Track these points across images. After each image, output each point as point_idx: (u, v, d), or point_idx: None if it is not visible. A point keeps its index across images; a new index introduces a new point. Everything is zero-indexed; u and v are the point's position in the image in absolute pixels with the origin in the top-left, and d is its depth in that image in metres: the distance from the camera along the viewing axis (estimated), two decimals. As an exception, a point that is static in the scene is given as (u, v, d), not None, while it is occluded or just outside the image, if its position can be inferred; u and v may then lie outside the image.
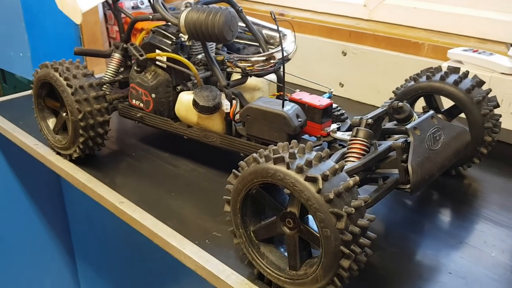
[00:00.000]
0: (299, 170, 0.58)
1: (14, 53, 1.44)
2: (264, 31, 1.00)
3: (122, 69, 1.06)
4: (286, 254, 0.66)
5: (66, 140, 0.97)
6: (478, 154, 0.90)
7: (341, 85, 1.32)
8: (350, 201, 0.58)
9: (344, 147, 0.79)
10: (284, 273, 0.65)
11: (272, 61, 0.90)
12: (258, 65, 0.89)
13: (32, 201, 1.49)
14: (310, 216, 0.63)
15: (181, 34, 0.87)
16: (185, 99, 0.91)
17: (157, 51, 0.94)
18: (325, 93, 0.88)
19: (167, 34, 0.93)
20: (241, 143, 0.86)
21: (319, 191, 0.57)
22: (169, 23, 0.92)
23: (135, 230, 0.84)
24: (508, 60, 1.00)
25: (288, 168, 0.59)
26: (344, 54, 1.29)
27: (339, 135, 0.82)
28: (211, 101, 0.86)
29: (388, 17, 1.31)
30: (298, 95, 0.85)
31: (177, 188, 0.91)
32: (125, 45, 1.02)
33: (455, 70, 0.90)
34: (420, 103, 0.96)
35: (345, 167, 0.65)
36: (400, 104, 0.79)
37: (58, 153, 1.02)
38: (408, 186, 0.72)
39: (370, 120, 0.75)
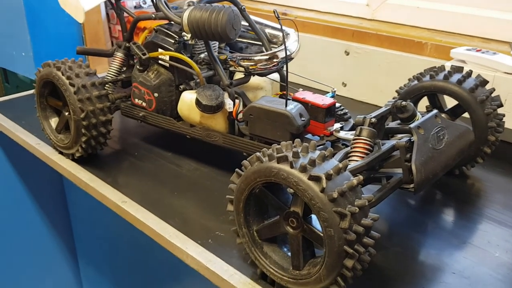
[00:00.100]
0: (303, 169, 0.58)
1: (16, 52, 1.44)
2: (267, 30, 1.00)
3: (124, 68, 1.06)
4: (289, 253, 0.66)
5: (69, 139, 0.97)
6: (482, 153, 0.89)
7: (344, 84, 1.32)
8: (353, 200, 0.58)
9: (347, 146, 0.78)
10: (287, 273, 0.65)
11: (275, 60, 0.89)
12: (261, 64, 0.89)
13: (34, 200, 1.50)
14: (313, 216, 0.62)
15: (184, 33, 0.87)
16: (188, 98, 0.91)
17: (160, 50, 0.94)
18: (328, 92, 0.88)
19: (170, 33, 0.93)
20: (244, 142, 0.86)
21: (322, 190, 0.56)
22: (172, 22, 0.92)
23: (138, 230, 0.84)
24: (512, 60, 0.99)
25: (292, 167, 0.59)
26: (347, 53, 1.29)
27: (342, 134, 0.82)
28: (214, 100, 0.86)
29: (391, 17, 1.31)
30: (301, 94, 0.85)
31: (179, 188, 0.91)
32: (127, 44, 1.02)
33: (459, 69, 0.90)
34: (424, 102, 0.96)
35: (349, 166, 0.65)
36: (404, 103, 0.78)
37: (61, 153, 1.02)
38: (411, 185, 0.71)
39: (373, 119, 0.75)
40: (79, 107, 0.91)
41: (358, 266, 0.59)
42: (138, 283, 1.55)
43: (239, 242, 0.69)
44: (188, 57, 0.92)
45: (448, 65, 0.96)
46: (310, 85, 1.14)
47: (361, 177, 0.61)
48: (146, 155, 1.03)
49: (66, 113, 0.97)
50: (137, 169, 0.97)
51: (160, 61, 0.95)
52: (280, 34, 0.99)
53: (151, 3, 1.48)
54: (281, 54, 0.90)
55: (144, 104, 0.98)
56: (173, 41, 0.93)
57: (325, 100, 0.83)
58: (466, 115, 0.89)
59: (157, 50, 0.94)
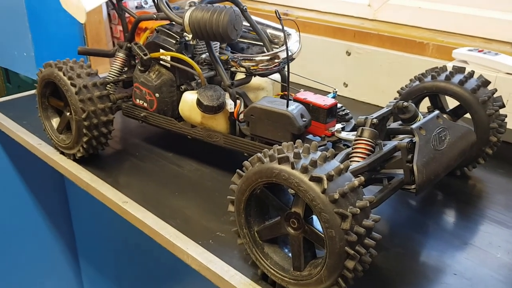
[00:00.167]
0: (304, 170, 0.58)
1: (18, 52, 1.45)
2: (269, 31, 1.00)
3: (126, 68, 1.06)
4: (290, 254, 0.66)
5: (70, 139, 0.97)
6: (483, 154, 0.89)
7: (346, 85, 1.32)
8: (355, 201, 0.58)
9: (348, 147, 0.78)
10: (288, 274, 0.65)
11: (276, 60, 0.89)
12: (262, 64, 0.89)
13: (35, 200, 1.50)
14: (314, 217, 0.62)
15: (185, 33, 0.87)
16: (189, 98, 0.91)
17: (161, 50, 0.94)
18: (330, 92, 0.87)
19: (171, 33, 0.93)
20: (245, 143, 0.86)
21: (324, 191, 0.56)
22: (173, 22, 0.92)
23: (139, 230, 0.84)
24: (514, 60, 0.99)
25: (293, 168, 0.58)
26: (349, 54, 1.29)
27: (343, 135, 0.82)
28: (215, 101, 0.86)
29: (393, 17, 1.30)
30: (303, 94, 0.85)
31: (180, 188, 0.91)
32: (129, 45, 1.02)
33: (461, 70, 0.90)
34: (425, 103, 0.95)
35: (350, 167, 0.65)
36: (405, 103, 0.78)
37: (62, 153, 1.02)
38: (413, 186, 0.71)
39: (375, 120, 0.75)
40: (80, 107, 0.91)
41: (359, 267, 0.59)
42: (138, 283, 1.55)
43: (240, 242, 0.69)
44: (190, 57, 0.92)
45: (450, 65, 0.96)
46: (312, 86, 1.14)
47: (362, 178, 0.61)
48: (147, 155, 1.03)
49: (68, 114, 0.97)
50: (138, 170, 0.97)
51: (161, 62, 0.95)
52: (282, 34, 0.99)
53: (152, 4, 1.48)
54: (283, 55, 0.89)
55: (145, 104, 0.98)
56: (174, 42, 0.93)
57: (326, 101, 0.82)
58: (468, 115, 0.88)
59: (159, 51, 0.94)
